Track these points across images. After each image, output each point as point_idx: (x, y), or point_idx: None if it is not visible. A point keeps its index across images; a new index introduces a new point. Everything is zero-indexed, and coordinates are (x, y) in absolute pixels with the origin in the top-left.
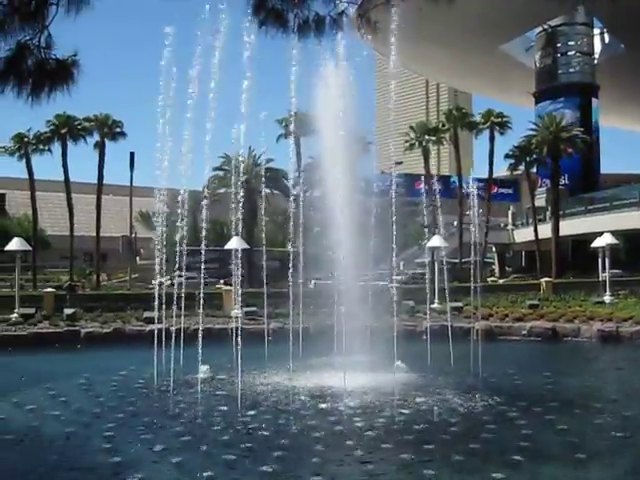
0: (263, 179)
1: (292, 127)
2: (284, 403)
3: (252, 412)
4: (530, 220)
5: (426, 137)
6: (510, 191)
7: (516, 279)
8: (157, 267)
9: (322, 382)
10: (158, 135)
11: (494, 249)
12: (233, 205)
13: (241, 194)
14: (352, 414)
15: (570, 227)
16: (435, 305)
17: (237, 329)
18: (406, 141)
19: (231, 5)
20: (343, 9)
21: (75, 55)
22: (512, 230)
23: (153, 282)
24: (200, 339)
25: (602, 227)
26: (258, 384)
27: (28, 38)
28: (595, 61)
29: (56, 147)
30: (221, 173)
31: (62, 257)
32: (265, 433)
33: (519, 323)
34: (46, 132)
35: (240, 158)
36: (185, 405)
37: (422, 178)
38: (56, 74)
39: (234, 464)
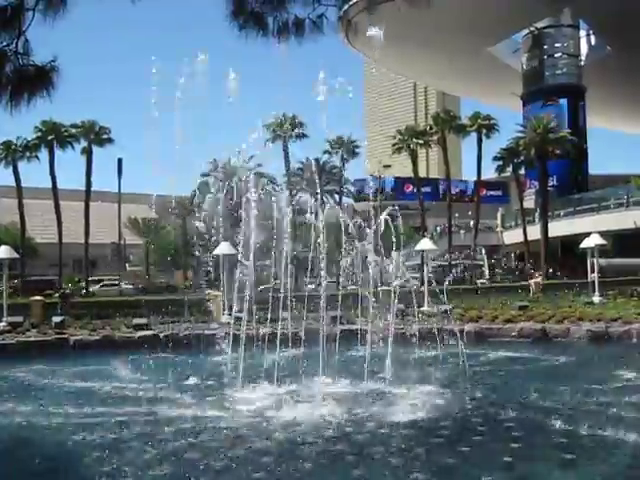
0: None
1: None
2: None
3: None
4: (519, 222)
5: (414, 140)
6: (499, 193)
7: (505, 280)
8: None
9: None
10: (147, 142)
11: (483, 251)
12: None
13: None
14: None
15: (559, 228)
16: (425, 308)
17: None
18: (394, 144)
19: (212, 10)
20: (322, 12)
21: (54, 61)
22: (501, 232)
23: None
24: None
25: (591, 228)
26: None
27: (5, 44)
28: (581, 63)
29: (43, 154)
30: (210, 179)
31: (51, 265)
32: None
33: (509, 325)
34: (33, 139)
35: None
36: None
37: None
38: (35, 80)
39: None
